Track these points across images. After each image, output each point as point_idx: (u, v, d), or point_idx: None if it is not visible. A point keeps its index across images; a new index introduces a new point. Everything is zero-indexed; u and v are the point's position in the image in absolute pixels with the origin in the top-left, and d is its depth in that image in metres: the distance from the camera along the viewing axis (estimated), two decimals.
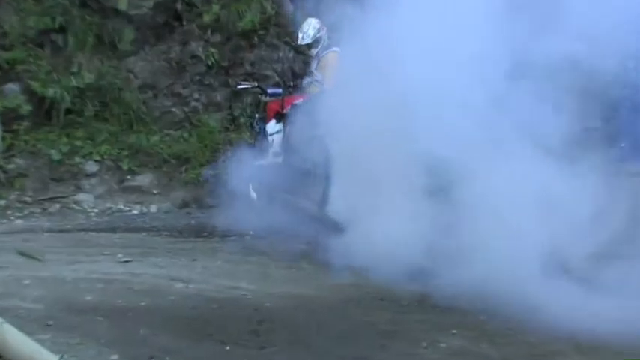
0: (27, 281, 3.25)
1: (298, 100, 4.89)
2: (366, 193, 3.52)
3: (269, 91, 5.23)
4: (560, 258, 3.04)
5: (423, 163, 3.33)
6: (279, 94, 5.10)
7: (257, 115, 5.39)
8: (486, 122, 3.16)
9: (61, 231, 4.80)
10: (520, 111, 3.12)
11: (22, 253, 3.76)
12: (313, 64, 4.96)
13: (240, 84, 5.79)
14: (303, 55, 6.12)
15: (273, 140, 4.94)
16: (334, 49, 4.67)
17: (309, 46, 4.97)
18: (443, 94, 3.23)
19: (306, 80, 4.98)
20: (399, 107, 3.33)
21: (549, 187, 3.04)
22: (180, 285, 3.33)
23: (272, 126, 5.01)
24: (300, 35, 5.00)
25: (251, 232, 4.42)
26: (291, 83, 5.33)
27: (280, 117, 4.98)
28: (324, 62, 4.78)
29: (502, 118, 3.16)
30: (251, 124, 5.72)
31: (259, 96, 5.29)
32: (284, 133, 4.91)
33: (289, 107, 4.92)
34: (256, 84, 5.59)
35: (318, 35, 4.89)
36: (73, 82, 6.16)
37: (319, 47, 4.91)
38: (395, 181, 3.41)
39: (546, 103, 3.07)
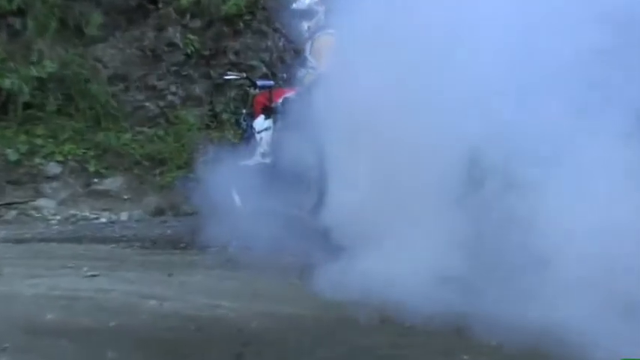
0: None
1: (290, 93, 4.89)
2: (369, 200, 3.43)
3: (259, 83, 5.23)
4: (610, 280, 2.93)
5: (442, 164, 3.26)
6: (270, 88, 5.11)
7: (244, 111, 5.39)
8: (546, 112, 2.99)
9: (19, 241, 4.78)
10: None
11: None
12: (307, 48, 4.93)
13: (227, 74, 5.79)
14: (295, 43, 6.15)
15: (261, 138, 4.93)
16: (329, 31, 4.66)
17: (302, 15, 4.91)
18: (493, 74, 3.08)
19: (302, 72, 4.95)
20: (422, 95, 3.20)
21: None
22: (153, 303, 3.32)
23: (260, 122, 5.01)
24: (294, 3, 4.96)
25: (234, 244, 4.42)
26: (285, 75, 5.31)
27: (269, 112, 4.99)
28: (318, 45, 4.74)
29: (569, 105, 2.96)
30: (237, 121, 5.72)
31: (248, 89, 5.30)
32: (274, 130, 4.91)
33: (279, 101, 4.92)
34: (245, 75, 5.60)
35: (315, 7, 4.85)
36: (33, 71, 6.16)
37: (313, 22, 4.87)
38: (407, 185, 3.32)
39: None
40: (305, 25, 4.91)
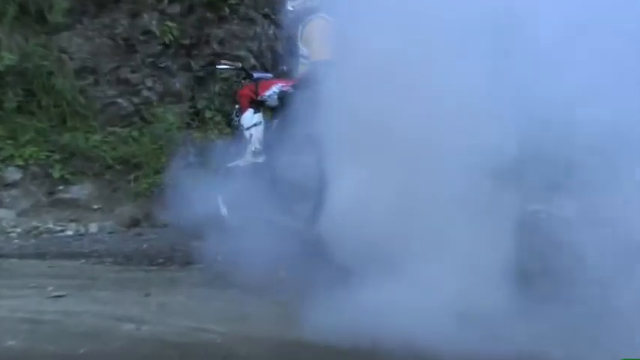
0: None
1: (277, 85, 4.94)
2: (376, 209, 3.28)
3: (256, 75, 5.27)
4: None
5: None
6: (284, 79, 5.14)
7: (237, 106, 5.42)
8: None
9: None
10: None
11: None
12: (297, 33, 4.97)
13: (220, 63, 5.79)
14: (287, 30, 6.17)
15: (251, 135, 4.97)
16: (321, 14, 4.71)
17: None
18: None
19: (294, 61, 4.98)
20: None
21: None
22: (129, 326, 3.33)
23: (248, 117, 5.05)
24: None
25: (220, 259, 4.42)
26: (284, 68, 5.32)
27: (257, 105, 5.02)
28: (310, 31, 4.78)
29: None
30: (229, 116, 5.74)
31: (243, 81, 5.32)
32: (265, 125, 4.94)
33: (266, 93, 4.96)
34: (240, 65, 5.63)
35: None
36: None
37: (298, 1, 4.90)
38: (426, 192, 3.15)
39: None
40: (289, 4, 4.97)
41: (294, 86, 4.72)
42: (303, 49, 4.82)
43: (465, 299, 3.03)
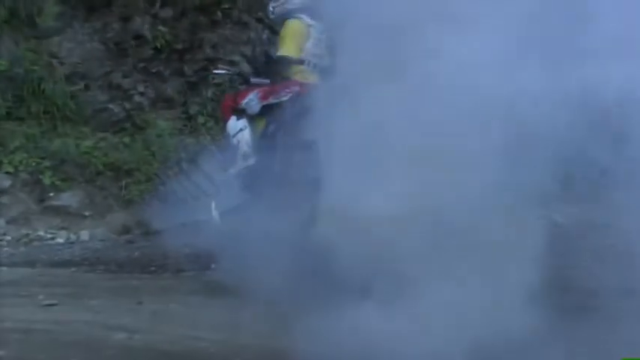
0: None
1: (254, 92, 4.99)
2: (380, 212, 3.00)
3: (252, 80, 5.30)
4: None
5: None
6: (265, 86, 5.18)
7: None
8: None
9: None
10: None
11: None
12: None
13: (217, 68, 5.81)
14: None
15: (238, 141, 5.01)
16: (300, 15, 4.76)
17: None
18: None
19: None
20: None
21: None
22: (121, 335, 3.33)
23: (233, 124, 5.09)
24: None
25: (213, 266, 4.43)
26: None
27: (239, 112, 5.08)
28: (288, 32, 4.83)
29: None
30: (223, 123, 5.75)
31: (240, 86, 5.34)
32: (251, 128, 4.98)
33: (244, 101, 5.01)
34: (238, 70, 5.65)
35: None
36: None
37: (280, 1, 4.97)
38: (448, 188, 2.87)
39: None
40: (270, 6, 5.04)
41: (272, 90, 4.79)
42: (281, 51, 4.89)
43: (479, 319, 2.81)
